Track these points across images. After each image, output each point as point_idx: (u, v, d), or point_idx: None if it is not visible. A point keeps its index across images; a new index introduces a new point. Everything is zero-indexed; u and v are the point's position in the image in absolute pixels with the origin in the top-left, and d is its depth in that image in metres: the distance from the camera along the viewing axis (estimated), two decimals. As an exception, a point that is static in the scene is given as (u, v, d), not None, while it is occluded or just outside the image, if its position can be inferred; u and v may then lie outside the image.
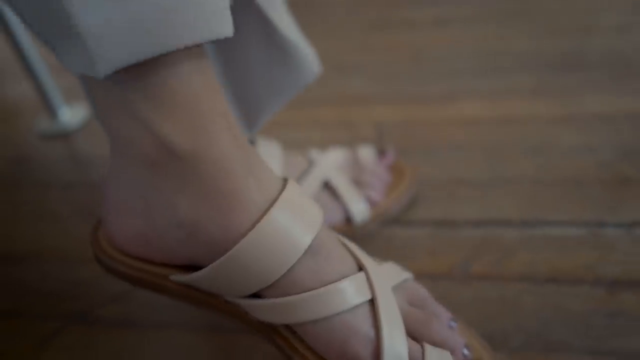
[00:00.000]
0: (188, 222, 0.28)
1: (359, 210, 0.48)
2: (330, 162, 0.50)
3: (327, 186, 0.49)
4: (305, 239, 0.28)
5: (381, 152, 0.55)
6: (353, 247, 0.33)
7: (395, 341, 0.29)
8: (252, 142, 0.49)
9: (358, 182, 0.50)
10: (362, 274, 0.30)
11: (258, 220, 0.27)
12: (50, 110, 0.80)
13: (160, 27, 0.22)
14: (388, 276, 0.32)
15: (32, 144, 0.78)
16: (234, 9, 0.37)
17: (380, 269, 0.32)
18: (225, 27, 0.25)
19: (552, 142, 0.59)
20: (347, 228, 0.49)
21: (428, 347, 0.29)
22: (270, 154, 0.48)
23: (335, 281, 0.29)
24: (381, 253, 0.47)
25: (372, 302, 0.30)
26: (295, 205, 0.29)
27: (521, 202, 0.51)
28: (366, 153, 0.53)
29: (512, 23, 0.89)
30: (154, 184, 0.28)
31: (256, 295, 0.30)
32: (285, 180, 0.31)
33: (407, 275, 0.34)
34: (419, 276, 0.44)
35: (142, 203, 0.29)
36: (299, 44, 0.41)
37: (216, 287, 0.30)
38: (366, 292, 0.30)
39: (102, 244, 0.34)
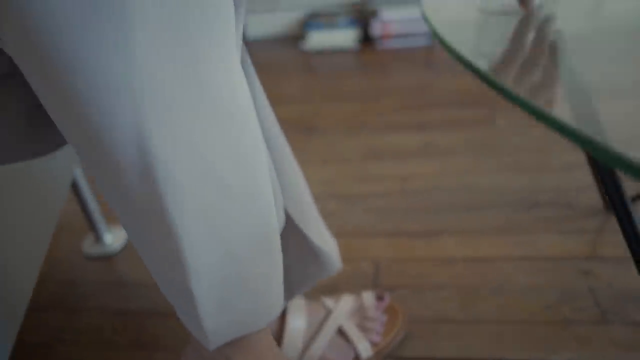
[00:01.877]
0: None
1: (364, 349, 0.64)
2: (342, 311, 0.66)
3: (340, 330, 0.65)
4: None
5: (379, 298, 0.70)
6: None
7: None
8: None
9: (363, 326, 0.66)
10: None
11: None
12: (95, 232, 0.95)
13: (251, 319, 0.38)
14: None
15: (79, 266, 0.92)
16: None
17: None
18: (283, 304, 0.41)
19: (510, 283, 0.75)
20: (356, 364, 0.64)
21: None
22: (297, 307, 0.64)
23: None
24: (382, 386, 0.62)
25: None
26: None
27: (487, 340, 0.67)
28: (368, 300, 0.69)
29: (484, 156, 1.08)
30: None
31: None
32: None
33: None
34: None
35: None
36: (328, 248, 0.57)
37: None
38: None
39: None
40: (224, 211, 0.34)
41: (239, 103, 0.34)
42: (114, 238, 0.96)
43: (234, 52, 0.34)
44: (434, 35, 0.42)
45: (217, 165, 0.33)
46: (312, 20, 2.04)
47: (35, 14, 0.27)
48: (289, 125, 1.35)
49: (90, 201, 0.91)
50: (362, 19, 1.99)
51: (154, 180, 0.31)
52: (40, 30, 0.27)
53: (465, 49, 0.38)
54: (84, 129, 0.30)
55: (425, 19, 0.48)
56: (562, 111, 0.27)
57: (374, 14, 1.91)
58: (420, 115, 1.32)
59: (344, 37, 1.96)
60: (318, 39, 1.99)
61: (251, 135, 0.35)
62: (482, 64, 0.35)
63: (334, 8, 2.09)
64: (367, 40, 1.98)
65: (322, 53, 1.94)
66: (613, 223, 0.85)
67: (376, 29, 1.89)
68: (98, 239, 0.95)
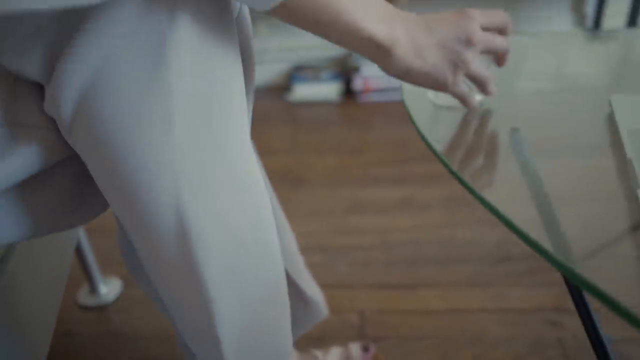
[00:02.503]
0: None
1: (352, 399, 0.68)
2: (331, 362, 0.71)
3: (329, 381, 0.69)
4: None
5: (365, 348, 0.75)
6: None
7: None
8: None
9: (350, 377, 0.70)
10: None
11: None
12: (91, 283, 0.98)
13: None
14: None
15: (75, 316, 0.95)
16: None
17: None
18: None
19: (485, 334, 0.81)
20: (343, 413, 0.68)
21: None
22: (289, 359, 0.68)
23: None
24: None
25: None
26: None
27: (464, 390, 0.72)
28: (354, 351, 0.74)
29: (459, 211, 1.16)
30: None
31: None
32: None
33: None
34: None
35: None
36: (316, 297, 0.63)
37: None
38: None
39: None
40: (244, 265, 0.40)
41: (252, 174, 0.41)
42: (108, 289, 0.99)
43: (247, 133, 0.41)
44: (410, 118, 0.50)
45: (238, 226, 0.39)
46: (297, 73, 2.14)
47: (101, 120, 0.34)
48: (275, 177, 1.42)
49: (87, 253, 0.95)
50: (345, 73, 2.10)
51: (188, 242, 0.37)
52: (104, 132, 0.34)
53: (429, 136, 0.46)
54: (131, 202, 0.37)
55: (404, 102, 0.56)
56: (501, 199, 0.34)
57: (355, 69, 2.03)
58: (399, 169, 1.40)
59: (328, 90, 2.06)
60: (303, 91, 2.09)
61: (261, 198, 0.42)
62: (438, 148, 0.43)
63: (318, 62, 2.20)
64: (349, 93, 2.09)
65: (306, 104, 2.03)
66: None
67: (358, 83, 2.00)
68: (93, 289, 0.98)
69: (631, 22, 1.79)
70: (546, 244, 0.31)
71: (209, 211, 0.38)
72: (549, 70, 0.64)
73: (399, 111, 1.85)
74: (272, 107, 2.03)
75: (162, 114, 0.34)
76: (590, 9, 2.06)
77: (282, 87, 2.23)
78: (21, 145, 0.36)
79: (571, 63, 0.67)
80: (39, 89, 0.37)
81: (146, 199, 0.36)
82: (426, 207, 1.20)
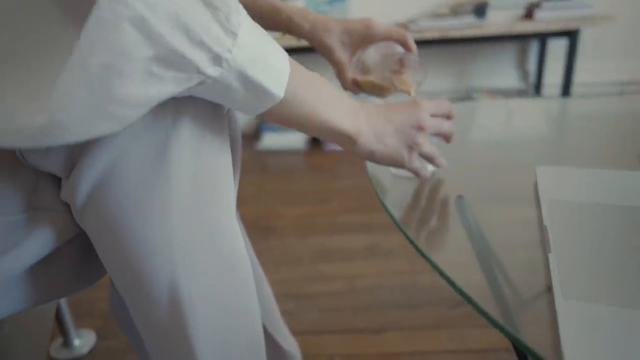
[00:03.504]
0: None
1: None
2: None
3: None
4: None
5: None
6: None
7: None
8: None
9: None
10: None
11: None
12: (65, 337, 1.00)
13: None
14: None
15: (48, 370, 0.96)
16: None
17: None
18: None
19: (446, 375, 0.88)
20: None
21: None
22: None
23: None
24: None
25: None
26: None
27: None
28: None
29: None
30: None
31: None
32: None
33: None
34: None
35: None
36: (293, 350, 0.69)
37: None
38: None
39: None
40: (228, 329, 0.46)
41: (238, 249, 0.47)
42: (82, 341, 1.01)
43: (234, 211, 0.48)
44: (375, 190, 0.59)
45: (224, 296, 0.45)
46: (266, 122, 2.23)
47: (109, 207, 0.40)
48: (246, 226, 1.48)
49: (63, 308, 0.98)
50: (311, 123, 2.21)
51: (180, 311, 0.43)
52: (111, 216, 0.40)
53: (389, 202, 0.54)
54: (130, 274, 0.42)
55: (368, 174, 0.64)
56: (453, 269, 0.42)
57: (321, 119, 2.14)
58: (364, 217, 1.48)
59: (295, 138, 2.16)
60: (271, 139, 2.17)
61: (244, 267, 0.48)
62: (397, 214, 0.51)
63: (284, 112, 2.30)
64: (315, 141, 2.19)
65: (274, 153, 2.11)
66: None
67: (323, 132, 2.11)
68: (67, 343, 1.00)
69: (567, 78, 1.99)
70: (491, 305, 0.39)
71: (199, 284, 0.43)
72: (492, 139, 0.74)
73: (362, 160, 1.95)
74: (242, 156, 2.10)
75: (161, 202, 0.40)
76: (532, 66, 2.26)
77: (251, 136, 2.32)
78: (39, 227, 0.42)
79: (512, 131, 0.77)
80: (56, 177, 0.43)
81: (145, 272, 0.42)
82: (390, 253, 1.27)
